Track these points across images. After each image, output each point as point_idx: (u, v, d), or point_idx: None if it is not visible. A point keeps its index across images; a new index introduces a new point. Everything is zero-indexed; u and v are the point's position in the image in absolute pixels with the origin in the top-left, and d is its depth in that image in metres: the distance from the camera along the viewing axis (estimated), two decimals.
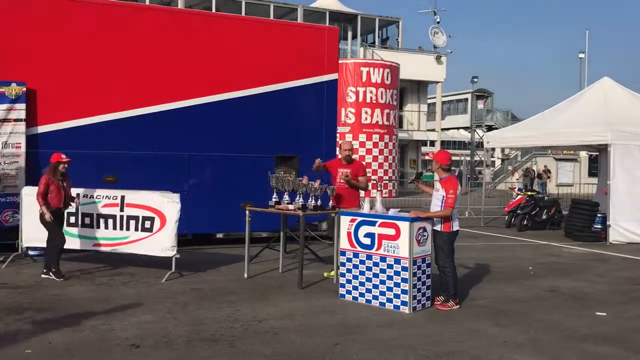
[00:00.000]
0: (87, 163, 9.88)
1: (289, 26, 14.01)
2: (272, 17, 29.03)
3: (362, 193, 8.82)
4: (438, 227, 6.96)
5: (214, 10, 28.22)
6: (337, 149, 10.90)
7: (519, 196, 16.03)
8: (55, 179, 8.00)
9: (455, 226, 6.96)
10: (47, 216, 7.87)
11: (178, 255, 8.30)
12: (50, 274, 7.91)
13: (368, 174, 8.77)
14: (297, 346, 5.40)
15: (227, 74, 11.05)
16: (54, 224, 8.00)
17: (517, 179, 32.88)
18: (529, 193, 16.44)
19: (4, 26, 9.62)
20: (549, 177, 32.88)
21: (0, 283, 7.65)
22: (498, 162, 47.43)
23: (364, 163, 15.58)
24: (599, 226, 13.19)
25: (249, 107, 11.17)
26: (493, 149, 37.19)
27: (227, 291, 7.53)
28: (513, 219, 15.77)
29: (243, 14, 28.33)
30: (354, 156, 8.93)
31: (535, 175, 32.15)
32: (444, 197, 6.85)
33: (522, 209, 15.51)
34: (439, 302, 6.97)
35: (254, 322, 6.14)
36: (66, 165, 8.10)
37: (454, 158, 32.54)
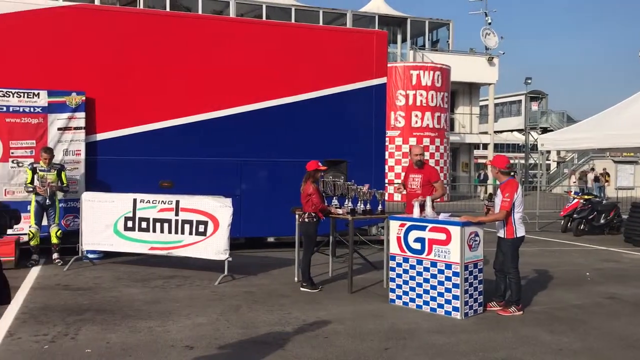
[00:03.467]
0: (143, 169, 10.23)
1: (338, 31, 14.07)
2: (321, 23, 29.20)
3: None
4: (501, 234, 6.86)
5: (264, 18, 28.62)
6: (387, 153, 10.80)
7: (576, 200, 15.57)
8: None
9: (520, 232, 6.83)
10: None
11: (230, 259, 8.45)
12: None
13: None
14: (346, 350, 5.42)
15: (277, 80, 11.20)
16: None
17: (574, 182, 31.94)
18: (586, 196, 15.94)
19: (64, 38, 10.03)
20: (607, 181, 31.79)
21: (62, 285, 7.97)
22: (553, 165, 46.21)
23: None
24: None
25: (299, 113, 11.29)
26: (548, 152, 36.26)
27: (278, 294, 7.62)
28: (569, 223, 15.34)
29: (293, 20, 28.64)
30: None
31: (592, 178, 31.12)
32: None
33: (578, 213, 15.07)
34: (498, 308, 6.87)
35: (304, 325, 6.19)
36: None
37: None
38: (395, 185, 8.55)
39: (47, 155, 9.25)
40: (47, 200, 9.30)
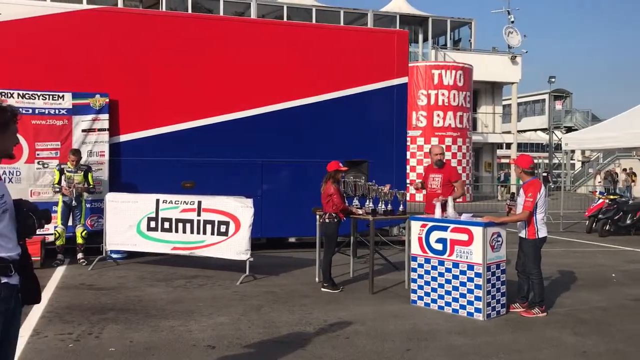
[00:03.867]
0: (166, 169, 10.33)
1: (358, 31, 14.06)
2: (342, 23, 29.17)
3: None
4: (523, 234, 6.80)
5: (285, 18, 28.69)
6: (409, 153, 10.75)
7: (601, 200, 15.33)
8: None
9: (542, 233, 6.75)
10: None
11: (252, 259, 8.49)
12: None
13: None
14: (367, 351, 5.41)
15: (298, 81, 11.23)
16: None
17: (599, 182, 31.46)
18: (612, 196, 15.69)
19: (88, 41, 10.17)
20: (633, 180, 31.25)
21: (86, 285, 8.08)
22: (578, 165, 45.60)
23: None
24: None
25: (319, 113, 11.30)
26: (572, 151, 35.77)
27: (299, 294, 7.63)
28: (594, 223, 15.11)
29: (314, 21, 28.66)
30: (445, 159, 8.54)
31: (624, 178, 30.62)
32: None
33: (604, 213, 14.83)
34: (521, 310, 6.80)
35: (325, 325, 6.19)
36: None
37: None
38: (413, 179, 8.54)
39: (74, 157, 9.40)
40: (74, 201, 9.44)
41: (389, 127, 11.75)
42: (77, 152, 9.49)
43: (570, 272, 9.47)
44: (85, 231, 9.58)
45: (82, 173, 9.47)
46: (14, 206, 3.11)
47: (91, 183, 9.57)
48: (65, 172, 9.40)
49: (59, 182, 9.40)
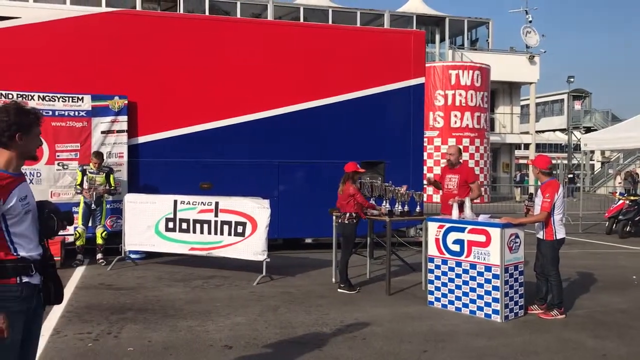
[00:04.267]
0: (183, 170, 10.40)
1: (375, 32, 14.05)
2: (358, 24, 29.15)
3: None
4: (540, 235, 6.74)
5: (301, 20, 28.75)
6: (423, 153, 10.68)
7: (621, 201, 15.14)
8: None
9: (560, 234, 6.69)
10: None
11: (269, 260, 8.52)
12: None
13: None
14: (384, 352, 5.40)
15: (315, 82, 11.24)
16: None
17: (619, 183, 31.06)
18: (632, 197, 15.48)
19: (107, 44, 10.28)
20: None
21: (105, 285, 8.17)
22: (598, 166, 45.08)
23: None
24: None
25: (336, 114, 11.30)
26: (592, 152, 35.38)
27: (316, 295, 7.64)
28: (614, 225, 14.92)
29: (330, 21, 28.68)
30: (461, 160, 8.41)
31: (637, 178, 30.20)
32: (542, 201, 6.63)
33: (624, 214, 14.64)
34: (540, 312, 6.75)
35: (341, 326, 6.19)
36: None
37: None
38: (428, 176, 8.56)
39: (96, 160, 9.51)
40: (93, 204, 9.54)
41: (406, 127, 11.72)
42: (99, 155, 9.60)
43: (590, 273, 9.37)
44: (105, 232, 9.68)
45: (104, 175, 9.59)
46: (37, 207, 3.16)
47: (113, 184, 9.68)
48: (87, 173, 9.52)
49: (81, 183, 9.52)
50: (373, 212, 8.09)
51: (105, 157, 9.90)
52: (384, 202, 8.13)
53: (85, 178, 9.53)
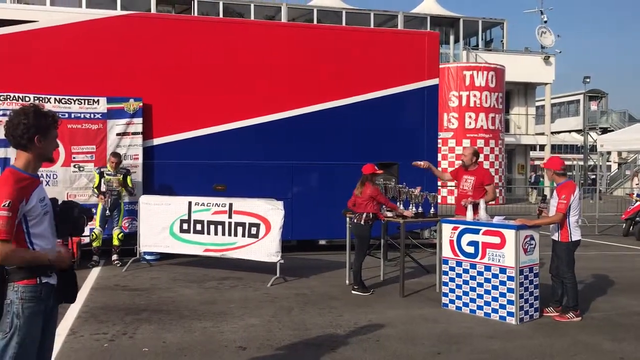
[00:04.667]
0: (198, 172, 10.46)
1: (389, 33, 14.02)
2: (372, 25, 29.12)
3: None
4: (555, 237, 6.69)
5: (315, 21, 28.77)
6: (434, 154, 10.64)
7: (638, 202, 14.97)
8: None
9: (576, 236, 6.64)
10: None
11: (282, 261, 8.53)
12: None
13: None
14: (398, 354, 5.38)
15: (329, 83, 11.25)
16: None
17: (637, 184, 30.69)
18: None
19: (122, 46, 10.36)
20: None
21: (121, 286, 8.23)
22: (614, 167, 44.61)
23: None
24: None
25: (349, 116, 11.30)
26: (608, 153, 35.02)
27: (330, 297, 7.64)
28: (632, 226, 14.76)
29: (343, 23, 28.68)
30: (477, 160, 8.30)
31: None
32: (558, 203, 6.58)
33: None
34: (555, 314, 6.70)
35: (355, 328, 6.18)
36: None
37: (566, 163, 30.89)
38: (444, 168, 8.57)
39: (114, 159, 9.58)
40: (107, 211, 9.61)
41: (420, 129, 11.68)
42: (117, 155, 9.68)
43: (607, 276, 9.27)
44: (121, 233, 9.76)
45: (122, 176, 9.66)
46: (64, 207, 3.26)
47: (130, 185, 9.76)
48: (105, 175, 9.60)
49: (99, 186, 9.59)
50: (387, 213, 8.08)
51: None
52: (398, 203, 8.11)
53: (102, 180, 9.61)
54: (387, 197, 8.35)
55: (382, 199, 7.90)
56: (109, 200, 9.57)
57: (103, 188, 9.59)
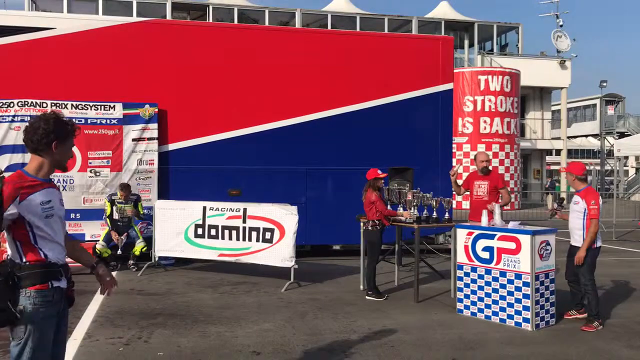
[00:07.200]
0: (213, 177, 10.51)
1: (403, 38, 14.02)
2: (386, 30, 29.11)
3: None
4: (575, 242, 6.62)
5: (329, 27, 28.83)
6: (452, 160, 10.60)
7: None
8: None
9: (598, 242, 6.57)
10: None
11: (296, 266, 8.54)
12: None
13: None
14: None
15: (343, 88, 11.26)
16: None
17: None
18: None
19: (138, 52, 10.46)
20: None
21: (136, 290, 8.28)
22: (632, 172, 44.12)
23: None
24: None
25: (363, 120, 11.29)
26: (625, 157, 34.64)
27: (344, 302, 7.62)
28: None
29: (358, 28, 28.70)
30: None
31: None
32: (585, 209, 6.49)
33: None
34: (577, 315, 6.68)
35: (370, 333, 6.17)
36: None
37: None
38: (456, 167, 8.61)
39: (124, 193, 9.66)
40: (120, 245, 9.70)
41: (434, 133, 11.64)
42: (126, 188, 9.71)
43: (626, 282, 9.16)
44: (145, 247, 9.72)
45: (132, 203, 9.75)
46: None
47: (141, 211, 9.86)
48: (116, 203, 9.67)
49: (111, 214, 9.66)
50: (400, 218, 8.06)
51: (136, 164, 10.07)
52: (412, 208, 8.08)
53: (114, 208, 9.68)
54: (401, 202, 8.32)
55: (380, 207, 7.85)
56: (122, 240, 9.67)
57: (115, 216, 9.67)
